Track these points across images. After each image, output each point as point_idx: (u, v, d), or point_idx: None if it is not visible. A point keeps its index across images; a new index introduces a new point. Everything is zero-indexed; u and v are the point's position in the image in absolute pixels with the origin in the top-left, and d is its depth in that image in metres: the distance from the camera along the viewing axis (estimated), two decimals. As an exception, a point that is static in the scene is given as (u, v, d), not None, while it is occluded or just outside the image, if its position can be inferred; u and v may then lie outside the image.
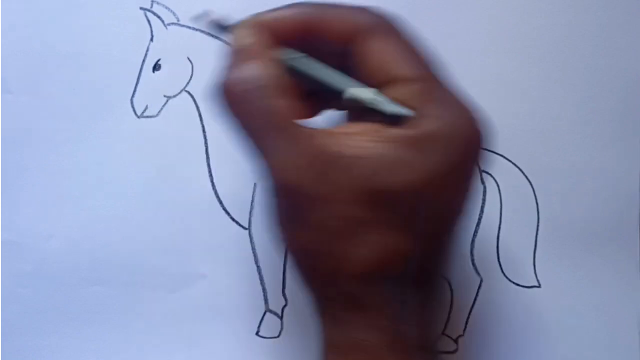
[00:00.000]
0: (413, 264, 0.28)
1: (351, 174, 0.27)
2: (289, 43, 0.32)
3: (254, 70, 0.30)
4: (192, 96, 0.43)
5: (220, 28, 0.35)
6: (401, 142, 0.28)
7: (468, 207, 0.30)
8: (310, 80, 0.31)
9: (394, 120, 0.29)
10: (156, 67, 0.43)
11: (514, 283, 0.44)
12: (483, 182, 0.44)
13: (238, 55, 0.31)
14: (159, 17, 0.43)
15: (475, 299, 0.43)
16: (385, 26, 0.31)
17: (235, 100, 0.30)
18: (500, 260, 0.44)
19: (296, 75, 0.31)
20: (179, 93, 0.43)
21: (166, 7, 0.43)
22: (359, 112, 0.30)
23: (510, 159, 0.44)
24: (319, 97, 0.33)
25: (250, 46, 0.31)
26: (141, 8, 0.43)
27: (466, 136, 0.29)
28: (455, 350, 0.43)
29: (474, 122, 0.29)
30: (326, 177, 0.28)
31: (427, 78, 0.29)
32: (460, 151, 0.28)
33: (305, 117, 0.35)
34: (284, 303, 0.43)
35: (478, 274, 0.43)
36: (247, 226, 0.43)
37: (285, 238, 0.30)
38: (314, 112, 0.34)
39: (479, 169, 0.43)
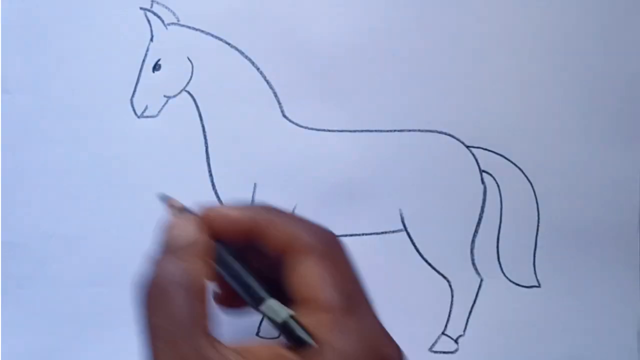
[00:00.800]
0: None
1: None
2: (230, 240, 0.32)
3: (185, 274, 0.29)
4: (192, 96, 0.43)
5: (173, 209, 0.34)
6: None
7: None
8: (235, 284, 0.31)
9: (301, 344, 0.29)
10: (156, 67, 0.43)
11: (514, 283, 0.44)
12: (483, 182, 0.44)
13: (174, 248, 0.31)
14: (159, 17, 0.43)
15: (475, 299, 0.43)
16: (321, 249, 0.31)
17: (159, 297, 0.29)
18: (500, 260, 0.44)
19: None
20: (179, 93, 0.43)
21: (166, 7, 0.43)
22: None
23: (510, 159, 0.44)
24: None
25: (191, 240, 0.31)
26: (141, 8, 0.43)
27: None
28: (456, 350, 0.43)
29: (381, 355, 0.29)
30: None
31: (341, 308, 0.29)
32: None
33: (231, 307, 0.35)
34: None
35: (478, 274, 0.43)
36: (247, 226, 0.43)
37: None
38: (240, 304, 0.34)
39: (480, 170, 0.44)
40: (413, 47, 0.44)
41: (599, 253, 0.44)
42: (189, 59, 0.43)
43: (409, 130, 0.44)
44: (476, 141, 0.44)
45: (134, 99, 0.43)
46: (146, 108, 0.43)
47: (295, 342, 0.29)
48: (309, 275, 0.30)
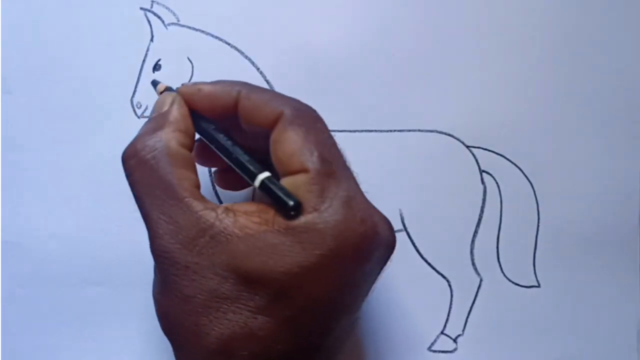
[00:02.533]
0: (275, 352, 0.29)
1: (224, 250, 0.29)
2: (218, 117, 0.33)
3: (156, 141, 0.31)
4: (192, 96, 0.43)
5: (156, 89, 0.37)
6: (280, 229, 0.29)
7: (355, 310, 0.31)
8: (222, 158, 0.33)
9: (286, 208, 0.29)
10: (156, 67, 0.43)
11: (513, 283, 0.44)
12: (483, 182, 0.44)
13: (152, 122, 0.33)
14: (159, 17, 0.43)
15: (474, 299, 0.43)
16: (301, 118, 0.32)
17: (137, 164, 0.31)
18: (500, 260, 0.44)
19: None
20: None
21: (166, 8, 0.43)
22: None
23: (510, 159, 0.44)
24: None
25: (165, 114, 0.33)
26: (141, 8, 0.43)
27: (346, 236, 0.29)
28: (455, 350, 0.43)
29: (361, 224, 0.30)
30: (200, 249, 0.29)
31: (324, 173, 0.30)
32: (338, 249, 0.29)
33: (232, 189, 0.37)
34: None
35: (478, 274, 0.44)
36: (247, 226, 0.43)
37: (155, 303, 0.31)
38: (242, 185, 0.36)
39: (480, 170, 0.44)
40: (413, 48, 0.44)
41: (598, 253, 0.44)
42: (189, 59, 0.43)
43: (409, 130, 0.44)
44: (476, 141, 0.44)
45: (134, 99, 0.43)
46: (146, 108, 0.43)
47: (277, 204, 0.30)
48: (292, 145, 0.31)
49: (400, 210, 0.43)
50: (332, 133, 0.43)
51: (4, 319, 0.42)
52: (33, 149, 0.43)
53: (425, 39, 0.44)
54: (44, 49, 0.43)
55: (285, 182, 0.30)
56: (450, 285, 0.43)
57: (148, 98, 0.43)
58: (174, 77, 0.43)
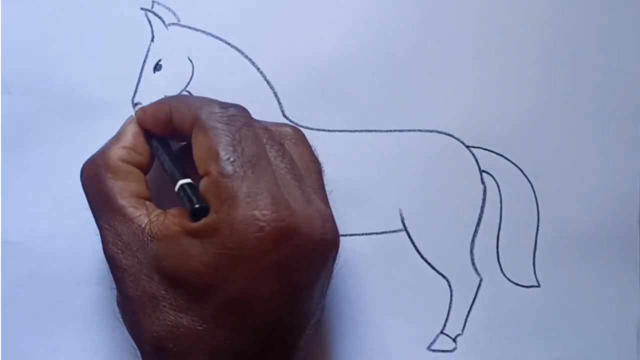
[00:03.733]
0: (205, 347, 0.31)
1: (150, 252, 0.32)
2: (165, 132, 0.37)
3: (100, 158, 0.36)
4: (192, 96, 0.43)
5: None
6: (188, 231, 0.31)
7: (292, 307, 0.32)
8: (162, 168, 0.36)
9: (191, 211, 0.32)
10: (157, 67, 0.43)
11: (513, 283, 0.44)
12: (483, 182, 0.44)
13: (108, 141, 0.38)
14: (159, 17, 0.43)
15: (474, 299, 0.43)
16: (213, 120, 0.33)
17: (86, 180, 0.36)
18: (500, 260, 0.44)
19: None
20: (180, 93, 0.43)
21: (167, 8, 0.43)
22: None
23: (510, 159, 0.44)
24: None
25: (117, 134, 0.38)
26: (142, 8, 0.43)
27: (244, 234, 0.30)
28: (454, 349, 0.43)
29: (261, 221, 0.30)
30: (134, 252, 0.32)
31: (226, 175, 0.31)
32: (238, 248, 0.30)
33: None
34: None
35: (478, 273, 0.44)
36: (247, 226, 0.43)
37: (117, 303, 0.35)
38: None
39: (480, 170, 0.44)
40: (413, 48, 0.44)
41: (598, 253, 0.44)
42: (189, 59, 0.43)
43: (409, 130, 0.44)
44: (476, 141, 0.44)
45: (135, 99, 0.43)
46: (146, 108, 0.43)
47: (189, 208, 0.32)
48: (196, 147, 0.33)
49: (400, 210, 0.43)
50: (333, 133, 0.43)
51: (4, 319, 0.42)
52: (33, 149, 0.43)
53: (425, 39, 0.44)
54: (44, 49, 0.43)
55: (200, 186, 0.32)
56: (450, 285, 0.43)
57: (149, 98, 0.43)
58: (174, 77, 0.43)
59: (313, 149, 0.38)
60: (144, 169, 0.37)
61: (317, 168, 0.37)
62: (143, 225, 0.32)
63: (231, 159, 0.31)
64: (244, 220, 0.30)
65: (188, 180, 0.34)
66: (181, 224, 0.32)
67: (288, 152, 0.35)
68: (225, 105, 0.34)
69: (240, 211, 0.30)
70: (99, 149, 0.37)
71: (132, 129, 0.37)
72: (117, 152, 0.36)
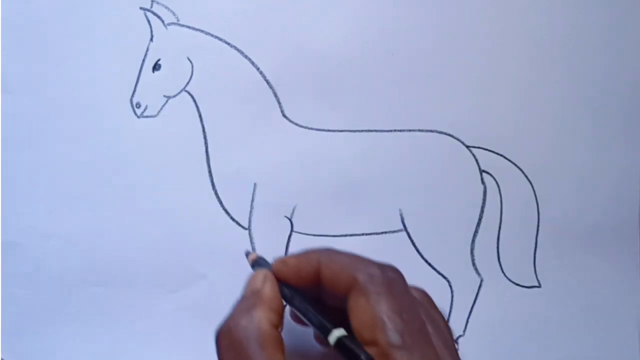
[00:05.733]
0: None
1: None
2: (306, 286, 0.34)
3: (249, 321, 0.32)
4: (192, 96, 0.43)
5: (256, 265, 0.38)
6: None
7: None
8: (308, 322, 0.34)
9: None
10: (156, 67, 0.43)
11: (514, 283, 0.44)
12: (483, 182, 0.44)
13: (246, 300, 0.34)
14: (159, 17, 0.43)
15: (475, 299, 0.43)
16: (378, 285, 0.31)
17: (227, 344, 0.32)
18: (501, 260, 0.44)
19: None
20: (179, 93, 0.43)
21: (166, 7, 0.43)
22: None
23: (510, 159, 0.44)
24: None
25: (259, 293, 0.34)
26: (141, 8, 0.43)
27: None
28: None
29: None
30: None
31: (395, 346, 0.30)
32: None
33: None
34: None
35: (478, 274, 0.43)
36: (247, 226, 0.43)
37: None
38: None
39: (480, 170, 0.44)
40: (413, 48, 0.44)
41: (599, 253, 0.44)
42: (188, 59, 0.43)
43: (409, 130, 0.44)
44: (476, 141, 0.44)
45: (134, 99, 0.43)
46: (146, 108, 0.43)
47: None
48: (366, 315, 0.31)
49: (400, 210, 0.43)
50: (333, 133, 0.43)
51: (4, 319, 0.42)
52: (33, 149, 0.43)
53: (425, 39, 0.44)
54: (44, 48, 0.43)
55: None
56: (450, 286, 0.43)
57: (148, 98, 0.43)
58: (173, 77, 0.43)
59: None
60: (281, 331, 0.34)
61: (450, 332, 0.35)
62: None
63: (399, 328, 0.30)
64: None
65: (343, 332, 0.31)
66: None
67: (436, 319, 0.34)
68: (383, 267, 0.33)
69: None
70: (237, 309, 0.33)
71: (273, 289, 0.34)
72: (267, 317, 0.32)
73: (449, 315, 0.43)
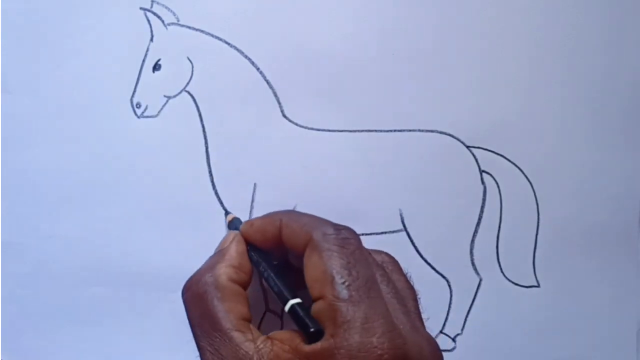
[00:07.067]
0: None
1: None
2: (271, 247, 0.36)
3: (209, 276, 0.34)
4: (192, 96, 0.43)
5: (231, 226, 0.41)
6: (301, 357, 0.30)
7: None
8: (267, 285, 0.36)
9: (307, 334, 0.31)
10: (156, 67, 0.43)
11: (513, 283, 0.44)
12: (483, 182, 0.44)
13: (212, 258, 0.37)
14: (159, 17, 0.43)
15: (474, 299, 0.43)
16: (327, 242, 0.33)
17: (191, 297, 0.34)
18: (500, 260, 0.44)
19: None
20: (179, 93, 0.43)
21: (166, 7, 0.43)
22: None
23: (510, 159, 0.44)
24: None
25: (223, 251, 0.37)
26: (141, 8, 0.43)
27: None
28: (453, 349, 0.43)
29: (379, 349, 0.30)
30: None
31: (341, 299, 0.31)
32: None
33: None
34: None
35: (478, 273, 0.44)
36: (247, 226, 0.43)
37: None
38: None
39: (480, 170, 0.44)
40: (413, 47, 0.44)
41: (598, 253, 0.44)
42: (189, 59, 0.43)
43: (409, 130, 0.44)
44: (476, 141, 0.44)
45: (134, 99, 0.43)
46: (146, 108, 0.43)
47: (302, 330, 0.31)
48: (318, 270, 0.32)
49: (400, 210, 0.43)
50: (333, 133, 0.43)
51: (4, 319, 0.42)
52: (33, 149, 0.43)
53: (425, 39, 0.44)
54: (44, 48, 0.43)
55: (313, 308, 0.32)
56: (449, 285, 0.43)
57: (148, 98, 0.43)
58: (173, 77, 0.43)
59: (406, 273, 0.37)
60: (246, 287, 0.36)
61: (413, 295, 0.36)
62: (251, 353, 0.31)
63: (347, 283, 0.31)
64: (362, 347, 0.29)
65: (298, 300, 0.33)
66: (293, 349, 0.31)
67: (391, 278, 0.34)
68: (338, 227, 0.34)
69: (357, 337, 0.30)
70: (203, 266, 0.36)
71: (238, 246, 0.37)
72: (226, 271, 0.35)
73: (448, 314, 0.43)
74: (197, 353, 0.33)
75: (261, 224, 0.37)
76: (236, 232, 0.38)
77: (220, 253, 0.37)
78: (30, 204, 0.43)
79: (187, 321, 0.42)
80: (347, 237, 0.33)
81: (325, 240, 0.33)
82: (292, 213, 0.37)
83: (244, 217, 0.42)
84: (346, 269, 0.32)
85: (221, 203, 0.43)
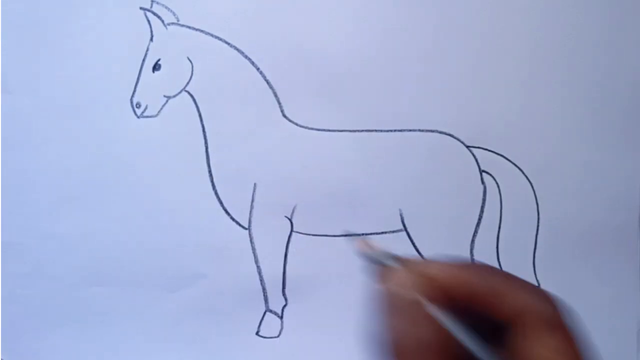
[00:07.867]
0: None
1: None
2: (440, 301, 0.27)
3: (414, 334, 0.27)
4: (192, 96, 0.43)
5: (370, 260, 0.29)
6: None
7: None
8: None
9: None
10: (156, 67, 0.43)
11: (513, 283, 0.44)
12: (483, 182, 0.44)
13: (393, 303, 0.28)
14: (159, 17, 0.43)
15: (474, 299, 0.43)
16: (551, 319, 0.27)
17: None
18: (500, 260, 0.44)
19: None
20: (179, 93, 0.43)
21: (166, 7, 0.43)
22: None
23: (510, 159, 0.44)
24: None
25: (409, 300, 0.28)
26: (141, 8, 0.43)
27: None
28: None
29: None
30: None
31: None
32: None
33: None
34: (284, 303, 0.43)
35: (478, 273, 0.43)
36: (247, 226, 0.43)
37: None
38: None
39: (480, 170, 0.44)
40: (413, 48, 0.44)
41: (598, 253, 0.44)
42: (188, 59, 0.43)
43: (409, 130, 0.44)
44: (476, 141, 0.44)
45: (134, 99, 0.43)
46: (146, 108, 0.43)
47: None
48: (540, 352, 0.27)
49: (400, 210, 0.43)
50: (333, 133, 0.43)
51: (4, 319, 0.42)
52: (33, 149, 0.43)
53: (425, 39, 0.44)
54: (44, 48, 0.43)
55: None
56: (450, 285, 0.43)
57: (148, 98, 0.43)
58: (173, 77, 0.43)
59: None
60: None
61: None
62: None
63: None
64: None
65: None
66: None
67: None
68: (547, 296, 0.30)
69: None
70: (388, 315, 0.27)
71: (428, 297, 0.28)
72: (434, 332, 0.27)
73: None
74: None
75: (451, 281, 0.28)
76: (409, 273, 0.28)
77: (414, 304, 0.27)
78: (30, 204, 0.43)
79: (185, 320, 0.42)
80: (565, 310, 0.29)
81: (554, 314, 0.27)
82: (485, 271, 0.28)
83: (244, 217, 0.42)
84: (576, 349, 0.27)
85: (221, 203, 0.43)
